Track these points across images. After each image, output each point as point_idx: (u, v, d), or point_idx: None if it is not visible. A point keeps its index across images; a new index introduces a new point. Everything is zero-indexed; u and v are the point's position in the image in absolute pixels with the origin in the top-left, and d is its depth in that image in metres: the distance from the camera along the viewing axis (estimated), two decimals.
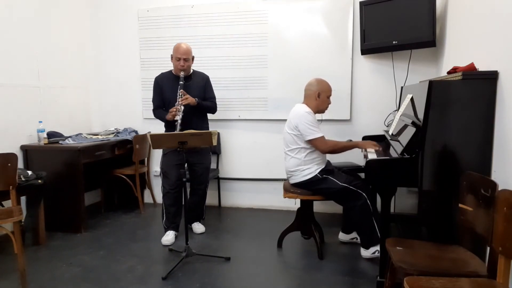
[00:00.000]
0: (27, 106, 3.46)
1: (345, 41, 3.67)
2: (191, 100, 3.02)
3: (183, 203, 3.22)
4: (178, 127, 2.90)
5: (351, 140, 2.83)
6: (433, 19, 3.04)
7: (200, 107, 3.15)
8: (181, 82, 3.02)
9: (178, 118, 2.93)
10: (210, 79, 3.31)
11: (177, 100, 2.99)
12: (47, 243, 3.11)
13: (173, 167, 3.09)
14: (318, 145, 2.72)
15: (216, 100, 3.33)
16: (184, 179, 2.67)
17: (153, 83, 3.24)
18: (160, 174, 3.26)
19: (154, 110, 3.26)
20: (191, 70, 3.21)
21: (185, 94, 3.00)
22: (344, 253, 2.89)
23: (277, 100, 3.86)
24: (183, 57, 3.04)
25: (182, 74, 3.04)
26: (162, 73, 3.26)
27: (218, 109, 3.35)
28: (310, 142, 2.71)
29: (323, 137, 2.71)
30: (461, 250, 1.83)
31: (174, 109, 2.97)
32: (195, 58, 3.18)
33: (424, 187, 2.07)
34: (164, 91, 3.17)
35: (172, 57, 3.12)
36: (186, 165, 3.13)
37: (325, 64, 3.70)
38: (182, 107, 2.98)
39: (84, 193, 3.40)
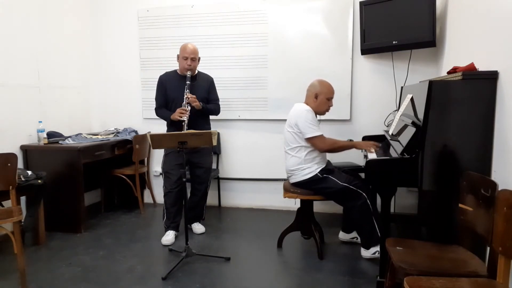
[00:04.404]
0: (27, 106, 3.46)
1: (345, 41, 3.67)
2: (197, 101, 3.03)
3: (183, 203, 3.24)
4: (185, 127, 2.92)
5: (351, 140, 2.83)
6: (433, 19, 3.04)
7: (204, 111, 3.16)
8: (188, 82, 3.02)
9: (185, 118, 2.95)
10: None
11: (184, 99, 3.00)
12: (47, 243, 3.11)
13: (174, 167, 3.09)
14: (316, 143, 2.72)
15: (219, 101, 3.34)
16: (184, 179, 2.68)
17: (157, 81, 3.23)
18: (162, 174, 3.27)
19: (157, 109, 3.25)
20: (197, 71, 3.22)
21: (192, 95, 3.02)
22: (344, 253, 2.89)
23: (277, 100, 3.86)
24: (190, 56, 3.04)
25: (188, 74, 3.04)
26: (166, 72, 3.26)
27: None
28: (309, 140, 2.72)
29: (322, 135, 2.71)
30: (461, 250, 1.83)
31: (183, 110, 2.97)
32: None
33: (424, 187, 2.07)
34: (169, 90, 3.16)
35: (178, 57, 3.13)
36: (187, 165, 3.13)
37: (325, 64, 3.70)
38: (189, 107, 2.99)
39: (84, 193, 3.41)
